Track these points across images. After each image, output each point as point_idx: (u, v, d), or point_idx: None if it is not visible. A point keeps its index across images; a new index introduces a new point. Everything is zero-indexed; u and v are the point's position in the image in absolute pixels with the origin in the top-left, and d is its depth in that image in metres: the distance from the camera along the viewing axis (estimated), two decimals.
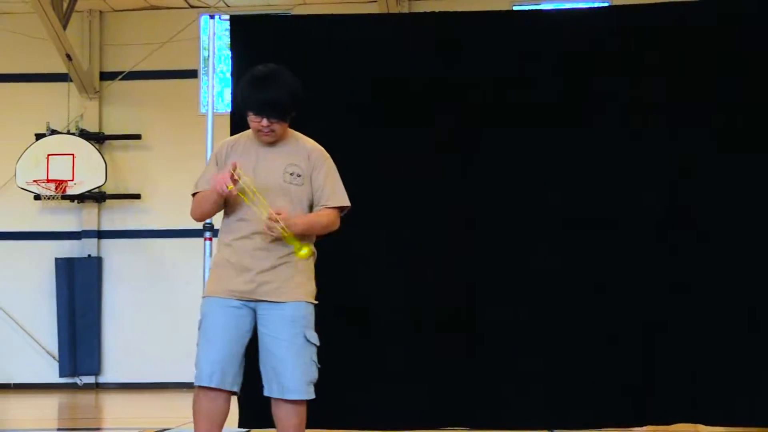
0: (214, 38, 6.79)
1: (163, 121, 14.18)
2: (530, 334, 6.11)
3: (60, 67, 13.82)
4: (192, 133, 12.78)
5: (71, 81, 14.05)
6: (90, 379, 14.15)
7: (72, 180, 13.57)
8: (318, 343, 4.31)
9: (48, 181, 13.49)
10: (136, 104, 14.38)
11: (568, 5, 13.23)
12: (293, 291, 4.27)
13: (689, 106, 6.10)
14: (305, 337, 4.25)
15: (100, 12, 14.48)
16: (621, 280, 6.09)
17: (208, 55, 6.86)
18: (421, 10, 12.42)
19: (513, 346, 6.12)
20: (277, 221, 4.09)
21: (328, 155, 4.44)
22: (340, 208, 4.41)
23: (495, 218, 6.20)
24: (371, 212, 6.19)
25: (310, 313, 4.32)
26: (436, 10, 6.73)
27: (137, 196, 14.27)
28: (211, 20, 6.65)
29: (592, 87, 6.22)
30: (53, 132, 13.91)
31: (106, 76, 14.45)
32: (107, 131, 14.40)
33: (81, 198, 14.09)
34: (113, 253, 14.38)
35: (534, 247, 6.17)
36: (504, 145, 6.23)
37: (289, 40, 6.34)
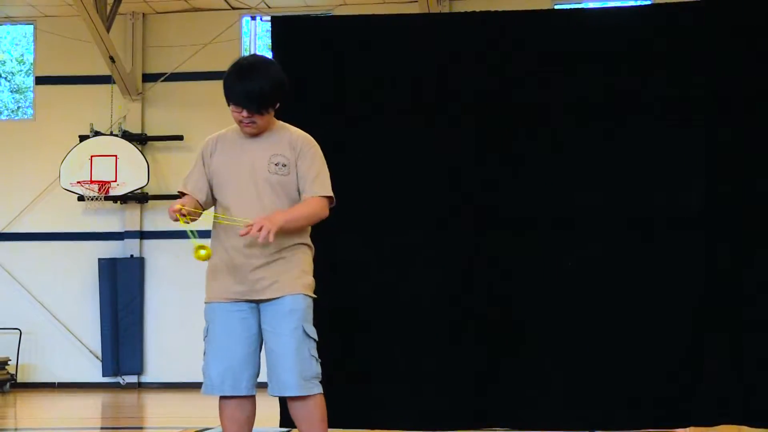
0: (255, 39, 6.82)
1: (204, 122, 14.23)
2: (567, 335, 6.06)
3: (103, 69, 13.94)
4: None
5: (114, 83, 14.17)
6: (132, 379, 14.26)
7: (115, 181, 13.68)
8: (317, 338, 4.18)
9: (91, 182, 13.61)
10: (178, 105, 14.47)
11: (610, 4, 13.13)
12: (290, 284, 4.15)
13: (733, 104, 6.02)
14: (304, 330, 4.13)
15: (143, 14, 14.60)
16: (659, 279, 6.02)
17: None
18: (462, 10, 12.39)
19: (549, 347, 6.07)
20: (252, 229, 3.99)
21: (314, 143, 4.30)
22: (329, 198, 4.24)
23: (538, 218, 6.16)
24: (405, 212, 6.18)
25: (308, 306, 4.19)
26: (477, 10, 6.69)
27: (179, 197, 14.33)
28: (252, 21, 6.68)
29: (634, 86, 6.16)
30: (97, 133, 14.04)
31: (149, 77, 14.56)
32: (150, 132, 14.51)
33: (124, 199, 14.20)
34: (155, 253, 14.47)
35: (565, 247, 6.12)
36: (546, 146, 6.19)
37: (330, 40, 6.35)
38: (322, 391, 4.17)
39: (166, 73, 14.35)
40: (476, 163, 6.22)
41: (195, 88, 14.38)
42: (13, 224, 14.54)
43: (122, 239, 14.47)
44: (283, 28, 6.47)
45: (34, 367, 14.38)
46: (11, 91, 15.79)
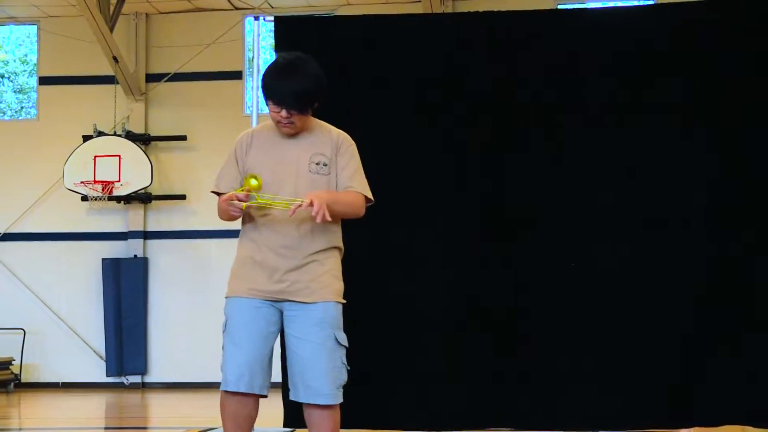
0: (259, 39, 6.81)
1: (208, 122, 14.27)
2: (575, 334, 6.06)
3: (107, 70, 13.96)
4: (237, 134, 12.70)
5: (118, 83, 14.18)
6: (136, 379, 14.27)
7: (118, 181, 13.69)
8: (347, 345, 4.10)
9: (95, 182, 13.62)
10: (182, 105, 14.48)
11: (613, 4, 13.13)
12: (322, 291, 4.06)
13: (741, 105, 6.01)
14: (336, 338, 4.05)
15: (146, 14, 14.61)
16: (663, 278, 6.02)
17: (253, 57, 6.87)
18: (465, 10, 12.39)
19: (557, 347, 6.07)
20: (302, 205, 3.88)
21: (353, 142, 4.23)
22: (366, 198, 4.17)
23: (544, 217, 6.15)
24: (417, 212, 6.19)
25: (339, 313, 4.11)
26: (480, 10, 6.68)
27: (183, 197, 14.36)
28: (256, 22, 6.65)
29: (638, 86, 6.15)
30: (100, 134, 14.05)
31: (152, 77, 14.57)
32: (153, 132, 14.52)
33: (127, 199, 14.21)
34: (159, 253, 14.49)
35: (582, 247, 6.11)
36: (552, 145, 6.19)
37: (333, 40, 6.34)
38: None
39: (169, 73, 14.36)
40: (482, 163, 6.22)
41: (198, 88, 14.40)
42: (16, 224, 14.56)
43: (126, 239, 14.49)
44: (286, 28, 6.47)
45: (38, 366, 14.39)
46: (15, 92, 15.81)
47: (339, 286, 4.15)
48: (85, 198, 13.91)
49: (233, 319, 4.11)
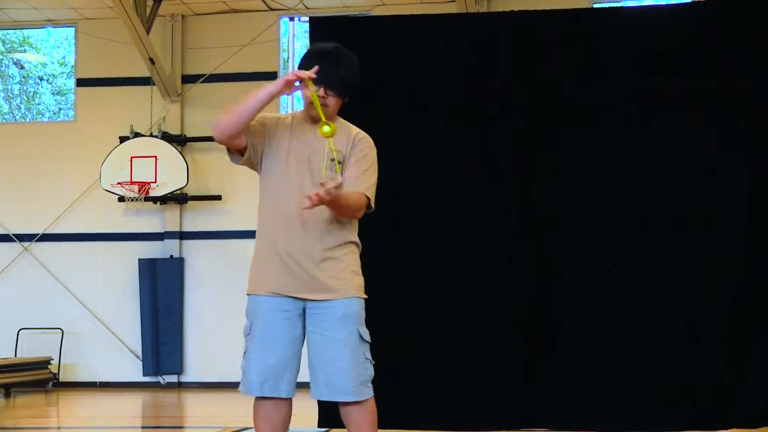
0: (294, 40, 6.83)
1: None
2: (608, 335, 6.03)
3: (143, 71, 14.04)
4: None
5: (154, 84, 14.26)
6: (172, 378, 14.34)
7: (155, 182, 13.75)
8: (370, 340, 4.03)
9: (131, 183, 13.70)
10: (217, 106, 14.47)
11: (649, 2, 13.02)
12: (344, 287, 3.99)
13: None
14: (359, 334, 3.99)
15: (182, 16, 14.68)
16: (699, 279, 5.97)
17: (288, 57, 6.89)
18: (500, 10, 12.34)
19: (590, 347, 6.04)
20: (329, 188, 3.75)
21: (372, 145, 4.15)
22: (368, 202, 4.04)
23: (575, 218, 6.13)
24: (448, 212, 6.17)
25: (362, 308, 4.04)
26: (515, 9, 6.66)
27: (218, 198, 14.42)
28: (291, 22, 6.69)
29: (672, 85, 6.11)
30: (137, 135, 14.13)
31: (188, 79, 14.64)
32: (189, 133, 14.59)
33: (163, 199, 14.28)
34: (195, 253, 14.55)
35: (613, 246, 6.08)
36: (583, 145, 6.17)
37: (368, 40, 6.34)
38: (373, 394, 4.04)
39: (205, 75, 14.42)
40: (513, 164, 6.20)
41: (234, 89, 14.42)
42: (54, 225, 14.69)
43: (162, 240, 14.56)
44: (321, 28, 6.48)
45: (75, 366, 14.51)
46: (53, 93, 15.95)
47: (359, 281, 4.09)
48: (121, 199, 14.00)
49: (257, 321, 4.07)
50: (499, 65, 6.27)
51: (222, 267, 14.36)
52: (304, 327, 4.05)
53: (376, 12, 13.73)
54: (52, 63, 15.91)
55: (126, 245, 14.54)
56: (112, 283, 14.54)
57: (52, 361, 14.04)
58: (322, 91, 3.96)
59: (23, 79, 16.03)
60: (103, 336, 14.47)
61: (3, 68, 15.98)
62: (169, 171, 13.81)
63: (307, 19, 6.57)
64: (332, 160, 4.00)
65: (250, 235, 14.18)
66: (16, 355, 14.16)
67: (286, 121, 4.13)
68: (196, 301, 14.43)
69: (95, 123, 14.71)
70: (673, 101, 6.10)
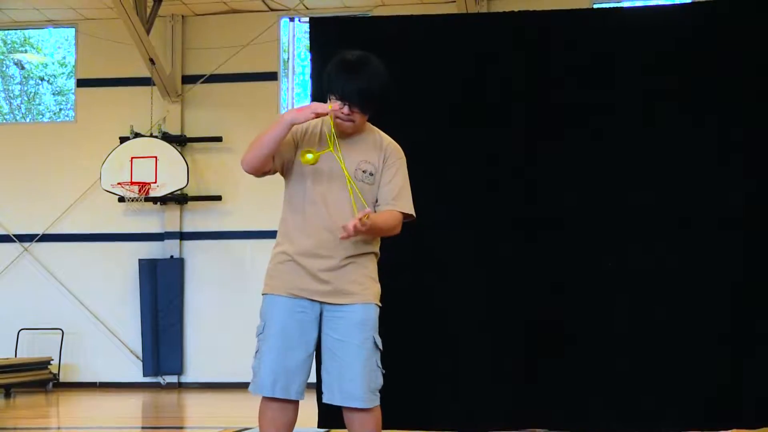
0: (294, 40, 6.83)
1: (243, 123, 14.31)
2: (610, 335, 6.02)
3: (143, 72, 14.05)
4: None
5: (154, 85, 14.26)
6: (172, 379, 14.34)
7: (155, 182, 13.76)
8: (382, 349, 4.01)
9: (132, 183, 13.71)
10: (217, 107, 14.54)
11: (649, 2, 13.03)
12: (362, 293, 3.98)
13: None
14: (374, 341, 3.98)
15: (183, 16, 14.68)
16: (706, 278, 5.96)
17: (288, 58, 6.89)
18: (501, 10, 12.34)
19: (593, 347, 6.04)
20: (363, 219, 3.75)
21: (402, 154, 4.13)
22: (404, 215, 4.07)
23: (577, 218, 6.12)
24: (450, 213, 6.17)
25: (377, 315, 4.03)
26: (516, 10, 6.65)
27: (218, 198, 14.43)
28: (291, 23, 6.69)
29: (674, 85, 6.11)
30: (137, 135, 14.13)
31: (188, 79, 14.64)
32: (189, 134, 14.59)
33: (163, 200, 14.29)
34: (195, 254, 14.56)
35: (617, 247, 6.07)
36: (586, 145, 6.16)
37: (368, 41, 6.32)
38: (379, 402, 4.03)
39: (205, 75, 14.43)
40: (514, 164, 6.20)
41: (234, 90, 14.44)
42: (54, 225, 14.69)
43: (162, 240, 14.57)
44: (321, 29, 6.47)
45: (76, 366, 14.51)
46: (53, 94, 15.95)
47: (377, 288, 4.09)
48: (122, 199, 14.01)
49: (272, 322, 4.01)
50: (499, 66, 6.27)
51: (222, 267, 14.36)
52: (319, 331, 4.01)
53: (376, 12, 13.73)
54: (53, 63, 15.91)
55: (126, 246, 14.55)
56: (112, 284, 14.55)
57: (52, 362, 14.05)
58: (346, 109, 3.92)
59: (24, 80, 16.03)
60: (104, 336, 14.48)
61: (4, 68, 15.98)
62: (169, 171, 13.81)
63: (307, 19, 6.57)
64: (363, 171, 3.98)
65: (250, 235, 14.31)
66: (16, 356, 14.16)
67: (314, 128, 4.07)
68: (197, 301, 14.44)
69: (95, 123, 14.72)
70: (673, 101, 6.09)
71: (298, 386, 3.98)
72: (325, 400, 4.02)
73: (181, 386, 14.34)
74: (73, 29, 15.09)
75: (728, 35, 6.06)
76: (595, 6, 13.44)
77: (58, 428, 9.20)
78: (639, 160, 6.11)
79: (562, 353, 6.05)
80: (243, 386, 13.83)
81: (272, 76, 14.39)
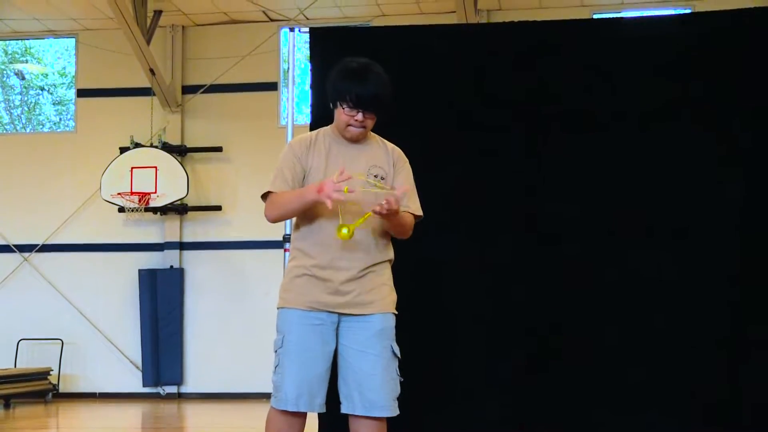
0: (294, 51, 6.83)
1: (243, 133, 14.34)
2: (611, 341, 6.02)
3: (144, 82, 14.07)
4: (272, 145, 12.87)
5: (154, 95, 14.29)
6: (172, 389, 14.32)
7: (155, 192, 13.77)
8: (400, 356, 4.04)
9: (132, 193, 13.71)
10: (218, 117, 14.56)
11: (649, 13, 13.06)
12: (380, 302, 4.01)
13: None
14: (392, 350, 4.00)
15: (183, 27, 14.71)
16: (703, 285, 5.96)
17: (288, 68, 6.90)
18: (500, 21, 12.37)
19: (591, 354, 6.03)
20: (395, 203, 3.80)
21: (406, 158, 4.21)
22: (416, 217, 4.15)
23: (577, 226, 6.13)
24: (450, 222, 6.16)
25: (394, 324, 4.06)
26: (515, 20, 6.67)
27: (218, 208, 14.43)
28: (291, 33, 6.67)
29: (673, 94, 6.12)
30: (137, 145, 14.14)
31: (188, 89, 14.66)
32: (189, 144, 14.60)
33: (164, 210, 14.29)
34: (195, 264, 14.55)
35: (616, 255, 6.07)
36: (586, 155, 6.16)
37: (369, 51, 6.30)
38: None
39: (205, 85, 14.45)
40: (516, 171, 6.20)
41: (234, 100, 14.47)
42: (54, 235, 14.69)
43: (162, 250, 14.57)
44: (321, 39, 6.48)
45: (75, 377, 14.49)
46: (53, 104, 15.97)
47: (394, 296, 4.12)
48: (122, 209, 14.01)
49: (291, 335, 3.98)
50: (499, 76, 6.28)
51: (222, 277, 14.36)
52: (336, 342, 4.01)
53: (376, 23, 13.76)
54: (53, 73, 15.93)
55: (126, 256, 14.55)
56: (112, 294, 14.54)
57: (51, 372, 14.04)
58: (360, 116, 3.95)
59: (24, 90, 16.05)
60: (103, 347, 14.46)
61: (4, 78, 16.00)
62: (169, 181, 13.82)
63: (307, 30, 6.56)
64: (375, 176, 4.02)
65: (250, 245, 14.30)
66: (15, 366, 14.15)
67: (318, 142, 4.09)
68: (196, 311, 14.42)
69: (95, 133, 14.73)
70: (672, 110, 6.10)
71: (322, 399, 3.98)
72: (345, 410, 4.01)
73: (180, 396, 14.32)
74: (74, 39, 15.11)
75: (728, 46, 6.07)
76: (595, 16, 13.47)
77: None
78: (638, 169, 6.12)
79: (563, 361, 6.04)
80: (243, 396, 13.92)
81: (272, 87, 14.42)
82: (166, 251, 14.53)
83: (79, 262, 14.64)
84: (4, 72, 15.96)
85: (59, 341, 14.33)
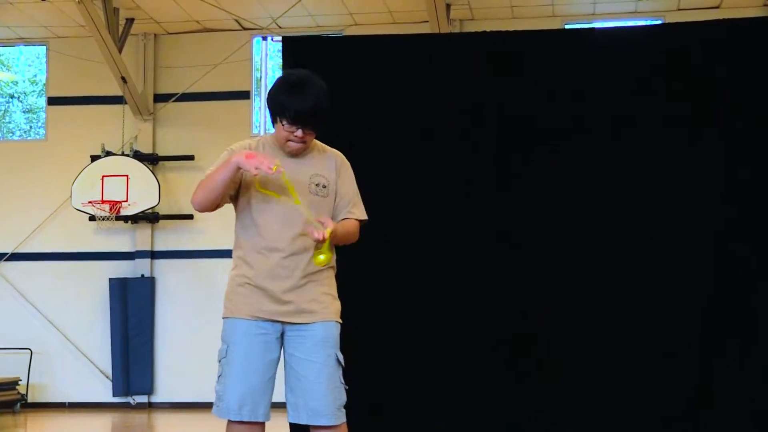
0: (267, 59, 6.82)
1: (215, 142, 14.26)
2: (593, 351, 6.03)
3: (115, 90, 14.01)
4: None
5: (126, 103, 14.23)
6: (143, 399, 14.25)
7: (126, 201, 13.71)
8: (344, 365, 4.06)
9: (103, 202, 13.65)
10: (190, 125, 14.51)
11: (620, 24, 13.14)
12: (323, 311, 4.02)
13: (753, 122, 6.00)
14: (337, 358, 4.02)
15: (155, 35, 14.67)
16: (678, 294, 5.99)
17: (260, 76, 6.88)
18: (472, 30, 12.40)
19: (569, 366, 6.04)
20: (323, 227, 3.84)
21: (348, 162, 4.20)
22: (361, 221, 4.18)
23: (551, 236, 6.14)
24: (420, 232, 6.16)
25: (338, 332, 4.08)
26: (488, 30, 6.69)
27: (190, 217, 14.37)
28: (264, 42, 6.67)
29: (644, 105, 6.15)
30: (108, 153, 14.09)
31: (160, 98, 14.61)
32: (161, 152, 14.55)
33: (135, 219, 14.23)
34: (166, 273, 14.49)
35: (591, 264, 6.09)
36: (557, 165, 6.18)
37: (341, 60, 6.35)
38: (345, 419, 4.05)
39: (177, 94, 14.40)
40: (487, 182, 6.22)
41: (206, 108, 14.43)
42: (24, 244, 14.58)
43: (133, 259, 14.50)
44: (294, 48, 6.47)
45: (44, 387, 14.38)
46: (24, 112, 15.86)
47: (338, 305, 4.13)
48: (92, 218, 13.93)
49: (232, 345, 4.03)
50: (472, 86, 6.29)
51: (193, 286, 14.30)
52: (280, 351, 4.04)
53: (348, 32, 13.77)
54: (23, 81, 15.83)
55: (97, 264, 14.47)
56: (82, 303, 14.44)
57: (20, 382, 13.91)
58: (300, 132, 3.95)
59: None
60: (73, 356, 14.36)
61: None
62: (141, 190, 13.76)
63: (280, 38, 6.56)
64: (317, 185, 4.02)
65: (221, 254, 14.24)
66: None
67: (258, 150, 4.07)
68: (167, 320, 14.36)
69: (66, 141, 14.65)
70: (645, 121, 6.13)
71: (265, 408, 4.00)
72: (291, 419, 4.04)
73: (151, 406, 14.24)
74: (45, 47, 15.03)
75: (698, 58, 6.12)
76: (567, 26, 13.54)
77: None
78: (609, 180, 6.14)
79: (535, 372, 6.05)
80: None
81: (245, 95, 14.38)
82: (137, 260, 14.46)
83: (49, 270, 14.54)
84: None
85: (28, 350, 14.21)
